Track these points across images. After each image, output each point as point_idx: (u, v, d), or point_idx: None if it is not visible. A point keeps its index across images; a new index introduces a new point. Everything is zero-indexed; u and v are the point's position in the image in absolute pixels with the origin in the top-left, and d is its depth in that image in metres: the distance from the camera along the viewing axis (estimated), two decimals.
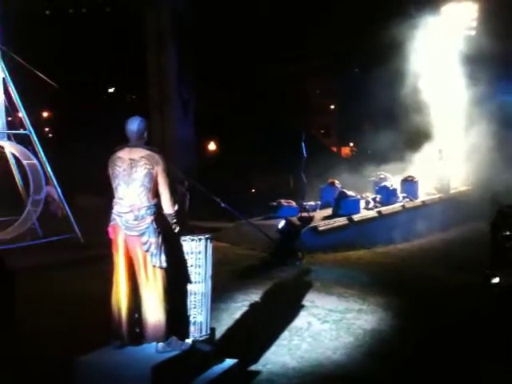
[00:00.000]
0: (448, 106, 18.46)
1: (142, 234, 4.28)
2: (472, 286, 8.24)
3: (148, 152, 4.36)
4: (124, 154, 4.38)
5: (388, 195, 14.79)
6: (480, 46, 17.77)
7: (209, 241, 4.73)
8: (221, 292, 7.47)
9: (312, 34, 21.99)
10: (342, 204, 13.29)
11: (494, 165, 16.94)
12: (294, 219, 11.95)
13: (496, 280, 7.96)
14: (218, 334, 5.93)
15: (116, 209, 4.39)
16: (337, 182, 15.15)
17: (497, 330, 6.34)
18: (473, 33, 19.47)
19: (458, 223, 14.34)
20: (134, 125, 4.42)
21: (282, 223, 10.99)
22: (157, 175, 4.33)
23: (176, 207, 4.51)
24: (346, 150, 26.53)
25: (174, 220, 4.52)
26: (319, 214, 13.47)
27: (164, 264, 4.32)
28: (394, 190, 15.17)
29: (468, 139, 19.18)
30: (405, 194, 15.38)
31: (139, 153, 4.34)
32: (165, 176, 4.38)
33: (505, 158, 17.57)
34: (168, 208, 4.46)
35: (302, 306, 7.27)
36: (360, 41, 20.75)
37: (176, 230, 4.56)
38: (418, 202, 15.34)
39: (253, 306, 7.34)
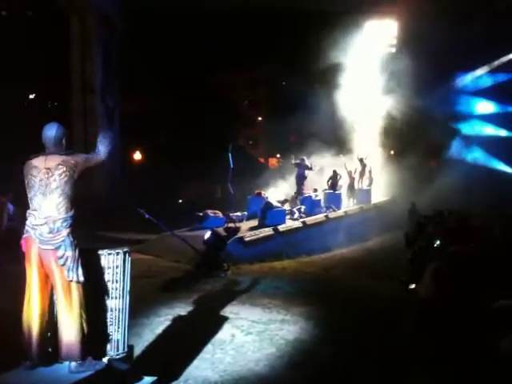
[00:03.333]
0: (368, 119, 19.23)
1: (58, 248, 4.09)
2: (390, 293, 8.55)
3: (63, 157, 4.17)
4: (39, 163, 4.16)
5: (312, 206, 15.15)
6: (399, 63, 18.71)
7: (127, 254, 4.58)
8: (143, 306, 7.32)
9: (242, 47, 22.18)
10: (268, 215, 13.45)
11: (413, 177, 17.82)
12: (221, 230, 11.94)
13: (412, 286, 8.32)
14: (139, 350, 5.79)
15: (30, 221, 4.16)
16: (263, 192, 15.33)
17: (415, 339, 6.59)
18: (393, 49, 20.47)
19: (379, 233, 14.93)
20: (51, 131, 4.22)
21: (207, 234, 10.95)
22: (81, 175, 4.20)
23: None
24: (273, 161, 26.91)
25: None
26: (246, 225, 13.56)
27: (81, 278, 4.14)
28: (318, 201, 15.57)
29: (388, 153, 20.06)
30: (328, 205, 15.81)
31: (55, 160, 4.15)
32: (89, 160, 4.33)
33: (423, 170, 18.51)
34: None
35: (227, 319, 7.25)
36: (288, 55, 21.19)
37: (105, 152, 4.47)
38: (340, 212, 15.81)
39: (176, 319, 7.22)
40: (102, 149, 4.45)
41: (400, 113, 19.06)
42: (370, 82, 19.48)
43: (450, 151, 20.46)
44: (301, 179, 16.16)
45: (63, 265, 4.10)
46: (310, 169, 16.27)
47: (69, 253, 4.11)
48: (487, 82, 21.28)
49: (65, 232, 4.12)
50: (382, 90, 19.46)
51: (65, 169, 4.12)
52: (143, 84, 21.95)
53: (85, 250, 4.29)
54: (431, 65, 18.00)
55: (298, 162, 16.30)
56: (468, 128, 21.73)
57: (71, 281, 4.12)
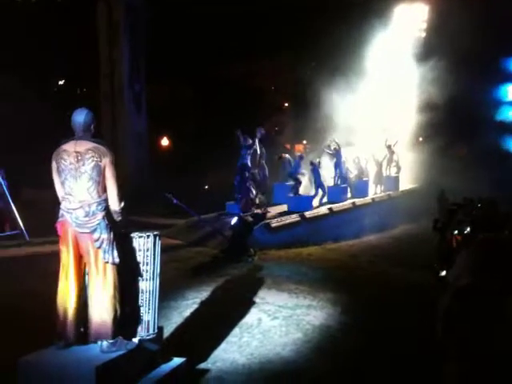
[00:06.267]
0: (398, 105, 18.92)
1: (94, 231, 4.18)
2: (418, 281, 8.46)
3: (94, 144, 4.24)
4: (69, 147, 4.24)
5: (339, 193, 15.05)
6: (430, 47, 18.31)
7: (157, 238, 4.64)
8: (171, 290, 7.41)
9: (267, 33, 22.05)
10: (294, 200, 13.44)
11: (442, 164, 17.52)
12: (247, 216, 11.96)
13: (443, 273, 8.20)
14: (167, 332, 5.87)
15: (65, 205, 4.24)
16: (284, 155, 15.21)
17: (443, 329, 6.49)
18: (423, 34, 20.06)
19: (407, 220, 14.74)
20: (80, 116, 4.29)
21: (234, 220, 10.99)
22: (104, 168, 4.22)
23: (122, 204, 4.38)
24: (299, 147, 26.75)
25: (120, 217, 4.39)
26: (273, 211, 13.56)
27: (117, 260, 4.23)
28: (345, 188, 15.46)
29: (416, 140, 19.70)
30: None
31: (85, 145, 4.22)
32: (112, 169, 4.26)
33: (450, 157, 18.17)
34: (114, 204, 4.33)
35: (253, 303, 7.29)
36: (315, 40, 20.97)
37: (121, 228, 4.44)
38: (368, 199, 15.67)
39: (203, 303, 7.31)
40: (116, 204, 4.34)
41: (431, 100, 18.69)
42: (401, 69, 19.15)
43: (482, 138, 19.95)
44: (244, 160, 12.44)
45: (99, 247, 4.19)
46: (247, 146, 12.51)
47: (104, 235, 4.19)
48: None
49: (100, 215, 4.20)
50: (411, 77, 19.11)
51: (93, 154, 4.19)
52: (170, 71, 22.04)
53: (116, 232, 4.35)
54: (463, 50, 17.55)
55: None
56: (503, 115, 21.09)
57: (107, 262, 4.21)
